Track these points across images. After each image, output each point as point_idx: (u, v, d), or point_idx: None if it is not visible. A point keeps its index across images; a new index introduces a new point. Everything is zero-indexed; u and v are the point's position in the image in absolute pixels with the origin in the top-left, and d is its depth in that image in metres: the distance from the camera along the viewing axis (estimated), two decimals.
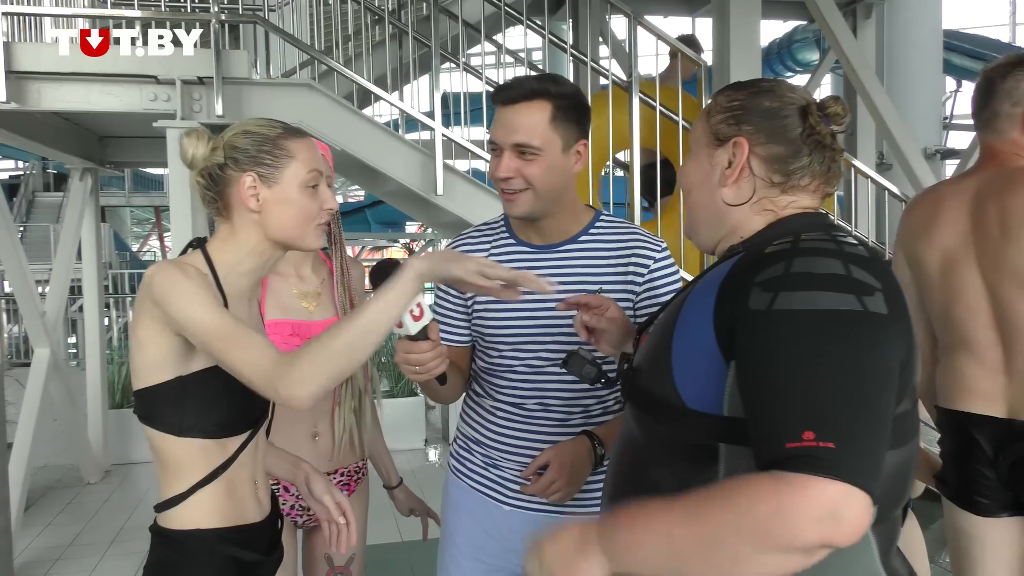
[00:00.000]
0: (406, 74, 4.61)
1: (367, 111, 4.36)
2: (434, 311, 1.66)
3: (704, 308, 0.96)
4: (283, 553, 1.47)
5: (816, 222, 1.03)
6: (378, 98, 4.26)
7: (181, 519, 1.28)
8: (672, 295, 1.52)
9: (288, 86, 4.15)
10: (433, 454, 5.80)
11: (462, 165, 4.45)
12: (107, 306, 8.46)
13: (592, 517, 0.97)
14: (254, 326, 1.35)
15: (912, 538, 1.99)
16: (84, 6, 4.91)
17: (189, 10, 4.19)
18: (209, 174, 1.27)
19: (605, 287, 1.50)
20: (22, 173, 17.16)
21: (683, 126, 4.03)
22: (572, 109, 1.47)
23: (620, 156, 4.75)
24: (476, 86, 4.55)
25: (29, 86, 3.68)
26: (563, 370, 1.38)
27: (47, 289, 5.34)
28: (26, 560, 3.95)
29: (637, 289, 1.52)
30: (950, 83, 8.46)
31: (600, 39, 5.72)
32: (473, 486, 1.63)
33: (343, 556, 1.83)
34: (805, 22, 7.68)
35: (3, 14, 3.72)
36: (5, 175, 18.65)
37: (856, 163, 4.79)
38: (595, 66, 4.47)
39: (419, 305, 1.21)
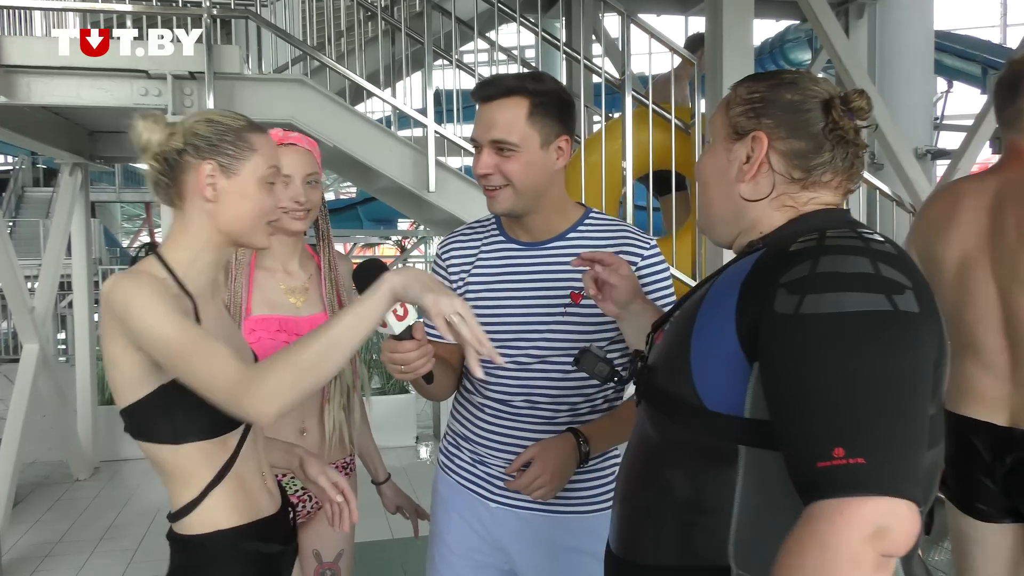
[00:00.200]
0: (399, 70, 4.61)
1: (360, 107, 4.36)
2: None
3: (725, 307, 0.93)
4: (298, 542, 1.46)
5: (839, 218, 1.00)
6: (371, 94, 4.26)
7: (198, 523, 1.26)
8: (661, 293, 1.52)
9: (280, 82, 4.14)
10: (424, 451, 5.80)
11: (455, 162, 4.45)
12: (97, 302, 8.41)
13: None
14: (222, 323, 1.33)
15: None
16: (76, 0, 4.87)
17: (181, 5, 4.18)
18: (165, 159, 1.24)
19: None
20: (11, 168, 17.07)
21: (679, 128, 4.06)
22: (552, 105, 1.47)
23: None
24: (469, 83, 4.54)
25: (18, 80, 3.66)
26: (573, 367, 1.35)
27: (36, 285, 5.31)
28: (14, 557, 3.93)
29: None
30: (941, 84, 8.50)
31: (593, 37, 5.72)
32: (461, 483, 1.63)
33: (332, 551, 1.82)
34: (797, 22, 7.70)
35: None
36: None
37: None
38: (588, 64, 4.47)
39: (403, 305, 1.20)
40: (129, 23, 3.91)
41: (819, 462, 0.79)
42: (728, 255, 1.12)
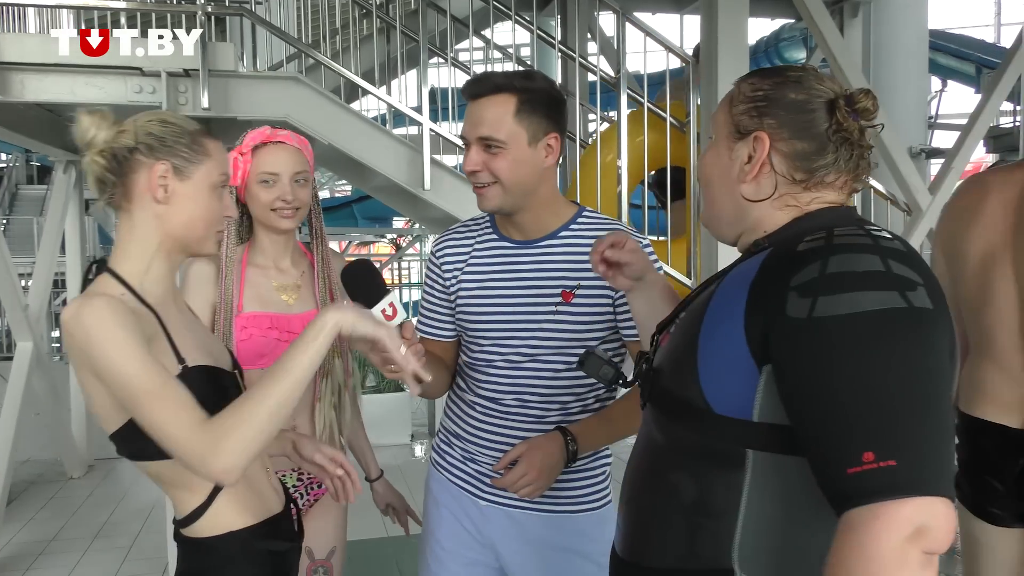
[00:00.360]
0: (394, 68, 4.60)
1: (355, 105, 4.35)
2: (420, 304, 1.66)
3: (733, 309, 0.92)
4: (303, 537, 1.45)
5: (846, 216, 0.99)
6: (366, 92, 4.25)
7: (210, 526, 1.24)
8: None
9: (275, 79, 4.13)
10: (419, 449, 5.80)
11: (450, 160, 4.44)
12: None
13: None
14: (191, 327, 1.29)
15: None
16: None
17: (176, 2, 4.16)
18: (114, 155, 1.20)
19: (585, 283, 1.50)
20: (5, 165, 17.00)
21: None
22: (540, 103, 1.47)
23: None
24: (464, 81, 4.54)
25: (12, 77, 3.65)
26: (578, 369, 1.34)
27: (30, 283, 5.30)
28: (8, 555, 3.93)
29: None
30: (935, 83, 8.53)
31: (588, 35, 5.72)
32: (452, 480, 1.63)
33: (324, 549, 1.82)
34: (792, 20, 7.71)
35: None
36: None
37: None
38: (583, 62, 4.47)
39: (391, 305, 1.20)
40: (124, 21, 3.90)
41: (849, 468, 0.78)
42: (727, 255, 1.11)
